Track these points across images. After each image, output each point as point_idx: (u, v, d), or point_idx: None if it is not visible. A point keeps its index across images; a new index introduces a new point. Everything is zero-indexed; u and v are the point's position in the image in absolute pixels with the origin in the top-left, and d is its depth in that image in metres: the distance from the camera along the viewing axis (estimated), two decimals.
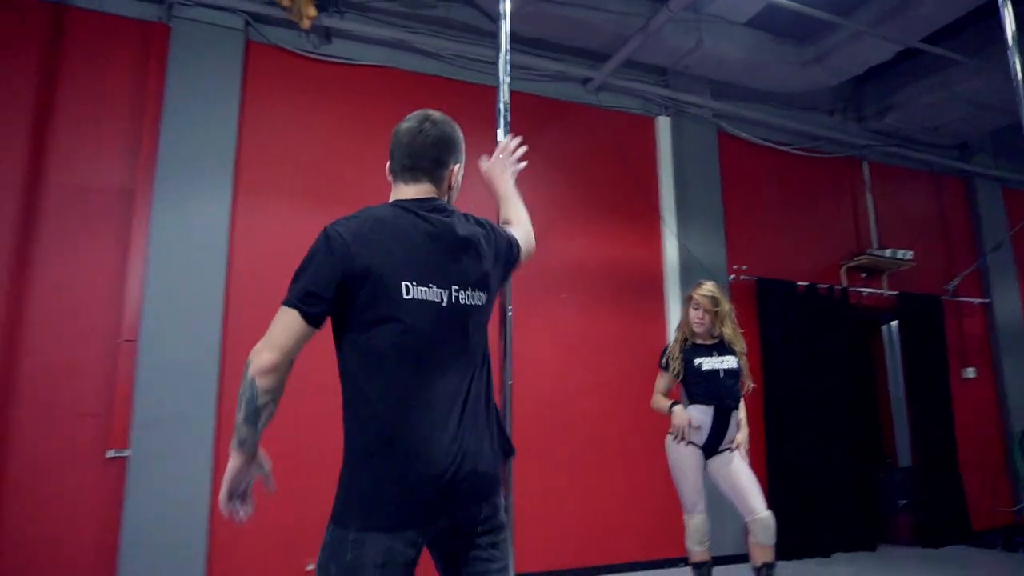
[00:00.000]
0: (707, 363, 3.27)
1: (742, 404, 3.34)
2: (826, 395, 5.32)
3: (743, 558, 4.50)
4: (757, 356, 5.24)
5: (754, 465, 4.90)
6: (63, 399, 3.58)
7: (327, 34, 4.54)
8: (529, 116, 4.95)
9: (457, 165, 1.76)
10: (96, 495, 3.54)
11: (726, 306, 3.36)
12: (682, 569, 4.61)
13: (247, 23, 4.26)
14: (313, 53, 4.48)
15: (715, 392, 3.23)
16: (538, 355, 4.61)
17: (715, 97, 5.46)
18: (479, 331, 1.67)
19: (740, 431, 3.31)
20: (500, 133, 2.17)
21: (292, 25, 4.31)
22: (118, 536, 3.48)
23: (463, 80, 4.80)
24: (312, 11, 4.19)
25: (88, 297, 3.72)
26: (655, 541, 4.70)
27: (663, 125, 5.31)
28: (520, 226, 1.98)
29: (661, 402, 3.37)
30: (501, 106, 2.20)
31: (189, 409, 3.71)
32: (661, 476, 4.72)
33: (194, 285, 3.85)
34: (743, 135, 5.61)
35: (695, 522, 3.25)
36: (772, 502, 4.70)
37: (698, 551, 3.25)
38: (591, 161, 5.10)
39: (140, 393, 3.63)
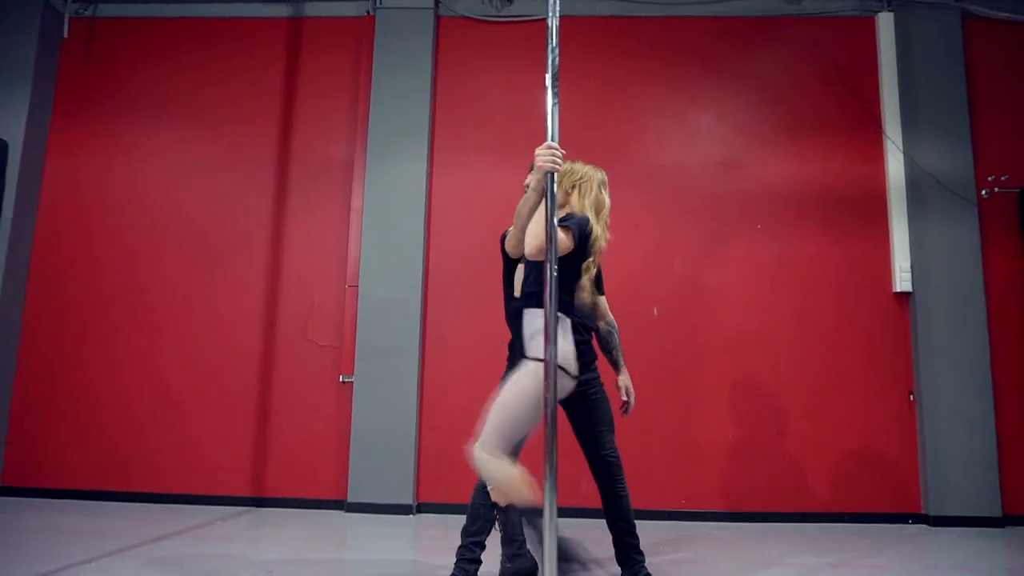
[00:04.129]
0: None
1: None
2: None
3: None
4: (1022, 289, 4.28)
5: (1019, 420, 4.13)
6: (308, 333, 4.46)
7: None
8: (720, 42, 4.69)
9: None
10: (333, 410, 4.36)
11: None
12: (910, 527, 4.07)
13: (436, 1, 4.74)
14: (496, 16, 4.80)
15: None
16: (734, 291, 4.38)
17: None
18: None
19: None
20: (548, 78, 2.14)
21: None
22: (348, 442, 4.25)
23: (633, 15, 4.72)
24: None
25: (323, 250, 4.57)
26: (871, 492, 4.17)
27: (884, 23, 4.56)
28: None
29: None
30: (549, 51, 2.15)
31: (399, 343, 4.33)
32: (882, 418, 4.21)
33: (400, 237, 4.47)
34: (1002, 15, 4.54)
35: None
36: None
37: None
38: (795, 78, 4.62)
39: (362, 330, 4.36)
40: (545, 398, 1.95)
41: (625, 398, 2.76)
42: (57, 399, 4.46)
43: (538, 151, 2.09)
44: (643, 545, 2.67)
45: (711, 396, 4.32)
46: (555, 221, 2.03)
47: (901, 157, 4.40)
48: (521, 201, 2.26)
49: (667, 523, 4.07)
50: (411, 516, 4.13)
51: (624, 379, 2.78)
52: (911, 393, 4.26)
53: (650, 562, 2.69)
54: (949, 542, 3.73)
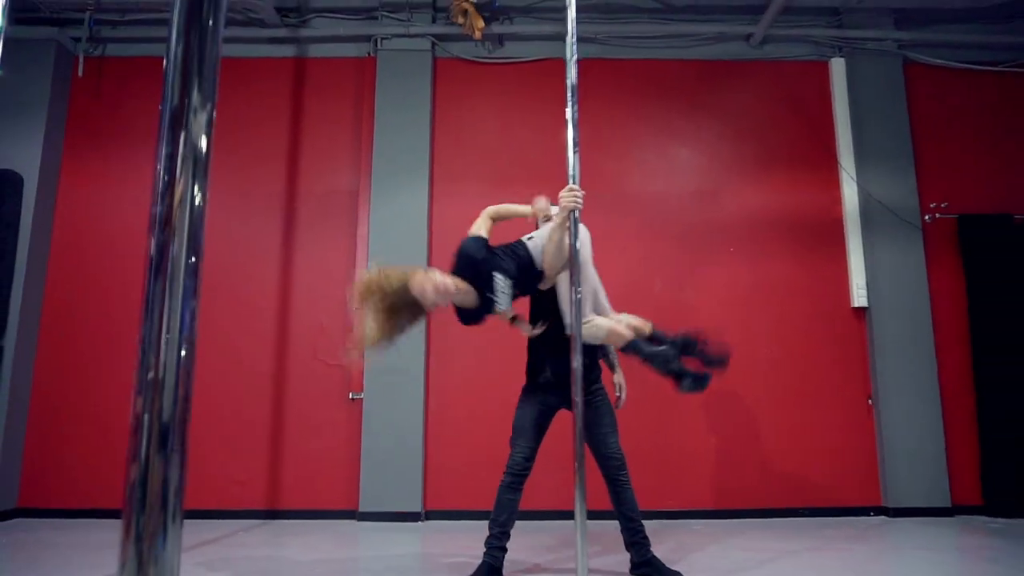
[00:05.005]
0: None
1: None
2: None
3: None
4: (963, 303, 4.83)
5: (963, 420, 4.61)
6: (318, 353, 4.74)
7: (499, 39, 5.24)
8: (694, 81, 5.17)
9: None
10: (343, 426, 4.64)
11: None
12: (872, 518, 4.51)
13: (433, 44, 5.13)
14: (488, 58, 5.21)
15: None
16: (710, 308, 4.82)
17: (898, 27, 5.12)
18: None
19: None
20: (568, 111, 2.57)
21: (470, 38, 5.08)
22: (359, 455, 4.52)
23: (617, 57, 5.19)
24: (480, 23, 4.92)
25: (331, 275, 4.86)
26: (836, 487, 4.62)
27: (837, 67, 5.12)
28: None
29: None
30: (569, 85, 2.58)
31: (405, 362, 4.63)
32: (844, 420, 4.66)
33: (404, 262, 4.74)
34: (938, 62, 5.15)
35: None
36: (988, 469, 4.42)
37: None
38: (760, 115, 5.13)
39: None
40: (573, 411, 2.33)
41: (618, 393, 3.15)
42: (72, 424, 4.63)
43: (562, 194, 2.49)
44: None
45: (692, 406, 4.72)
46: (576, 248, 2.44)
47: (855, 187, 4.93)
48: (545, 236, 2.66)
49: (655, 521, 4.43)
50: (420, 523, 4.42)
51: (619, 377, 3.19)
52: (869, 397, 4.75)
53: (656, 554, 3.05)
54: (907, 529, 4.19)
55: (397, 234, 4.82)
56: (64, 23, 5.06)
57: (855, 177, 4.94)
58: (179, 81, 0.81)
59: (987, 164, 5.07)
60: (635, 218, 4.94)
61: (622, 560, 3.06)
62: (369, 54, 5.16)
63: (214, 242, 4.88)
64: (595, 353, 3.03)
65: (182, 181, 0.80)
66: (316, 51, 5.21)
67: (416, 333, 4.65)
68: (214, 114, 0.83)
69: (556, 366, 2.92)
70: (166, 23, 0.84)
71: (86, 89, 5.10)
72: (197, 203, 0.81)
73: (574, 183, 2.53)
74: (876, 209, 4.85)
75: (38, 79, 4.89)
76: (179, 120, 0.80)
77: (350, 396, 4.66)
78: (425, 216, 4.87)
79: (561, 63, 5.09)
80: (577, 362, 2.36)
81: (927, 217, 4.92)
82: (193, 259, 0.80)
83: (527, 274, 2.76)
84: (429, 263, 4.84)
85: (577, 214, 2.52)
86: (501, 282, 2.66)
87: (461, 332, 4.73)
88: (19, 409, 4.59)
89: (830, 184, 5.02)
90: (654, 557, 2.96)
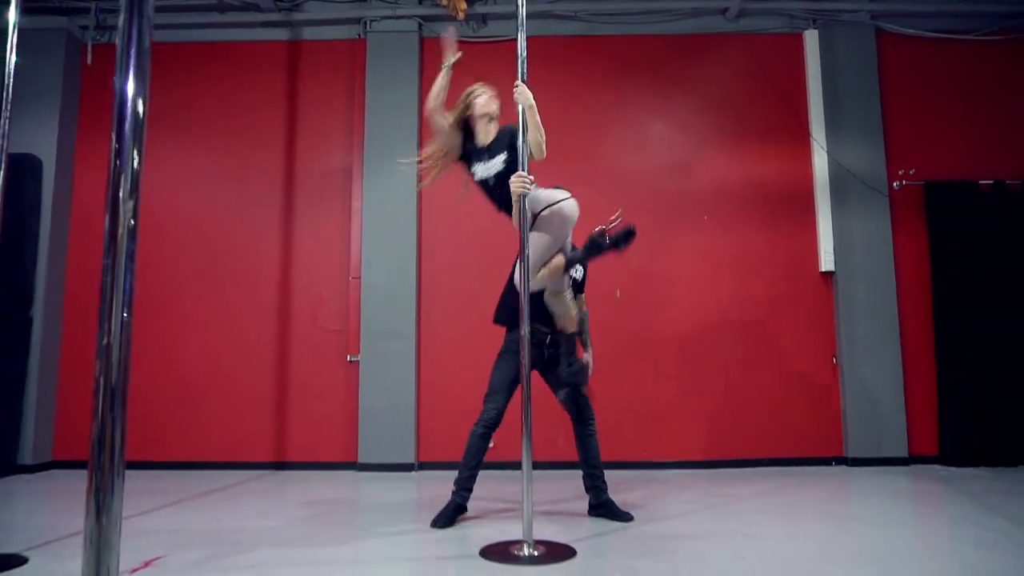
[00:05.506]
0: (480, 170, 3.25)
1: None
2: (1019, 309, 4.91)
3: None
4: (927, 266, 5.06)
5: (923, 377, 4.89)
6: (318, 320, 5.12)
7: (483, 19, 5.46)
8: (671, 56, 5.37)
9: None
10: (343, 386, 5.04)
11: None
12: (833, 467, 4.85)
13: (419, 24, 5.37)
14: (473, 37, 5.44)
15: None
16: (685, 274, 5.11)
17: None
18: None
19: None
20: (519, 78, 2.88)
21: (454, 19, 5.30)
22: (357, 412, 4.94)
23: (592, 34, 5.40)
24: (463, 4, 5.11)
25: (328, 247, 5.21)
26: (801, 440, 4.95)
27: (810, 39, 5.28)
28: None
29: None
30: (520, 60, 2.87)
31: (398, 326, 5.01)
32: (810, 378, 4.98)
33: (395, 233, 5.12)
34: (910, 31, 5.29)
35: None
36: (944, 422, 4.69)
37: None
38: (735, 88, 5.33)
39: (365, 315, 5.03)
40: (522, 364, 2.67)
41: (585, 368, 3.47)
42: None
43: (512, 179, 2.79)
44: (615, 487, 3.40)
45: (667, 364, 5.05)
46: (527, 232, 2.75)
47: (825, 156, 5.14)
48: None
49: (633, 471, 4.82)
50: (413, 472, 4.84)
51: (587, 356, 3.49)
52: (834, 356, 5.04)
53: (621, 500, 3.41)
54: (861, 476, 4.53)
55: (389, 209, 5.14)
56: (72, 12, 5.36)
57: (825, 147, 5.15)
58: (123, 69, 1.09)
59: (957, 132, 5.24)
60: (611, 191, 5.20)
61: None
62: (359, 36, 5.41)
63: (215, 218, 5.25)
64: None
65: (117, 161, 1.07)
66: (309, 34, 5.47)
67: (408, 298, 5.02)
68: (147, 106, 1.12)
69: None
70: (169, 10, 1.13)
71: (95, 76, 5.42)
72: (131, 178, 1.09)
73: (523, 169, 2.83)
74: (845, 178, 5.07)
75: (50, 67, 5.22)
76: (123, 117, 1.09)
77: (348, 358, 5.06)
78: (414, 190, 5.17)
79: (543, 40, 5.32)
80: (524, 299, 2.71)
81: (895, 184, 5.13)
82: (132, 224, 1.07)
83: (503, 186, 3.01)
84: (419, 236, 5.17)
85: (525, 199, 2.83)
86: (498, 162, 3.09)
87: (451, 300, 5.10)
88: (49, 373, 5.04)
89: (801, 154, 5.24)
90: (609, 500, 3.32)
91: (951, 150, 5.19)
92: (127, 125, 1.11)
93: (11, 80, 3.07)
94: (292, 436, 5.02)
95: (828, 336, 5.08)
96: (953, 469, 4.73)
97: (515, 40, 5.39)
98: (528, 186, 2.81)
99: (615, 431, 4.87)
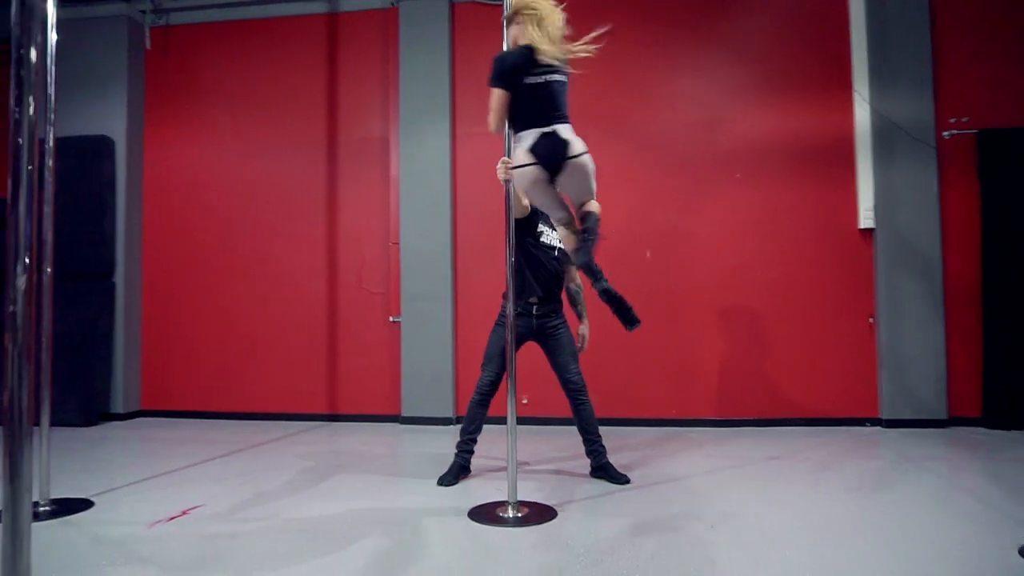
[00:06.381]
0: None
1: None
2: None
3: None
4: (976, 220, 4.80)
5: (968, 336, 4.71)
6: (362, 282, 5.47)
7: None
8: (709, 5, 5.19)
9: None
10: (386, 345, 5.41)
11: None
12: (867, 427, 4.81)
13: None
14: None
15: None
16: (717, 232, 5.08)
17: None
18: None
19: None
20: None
21: None
22: (400, 369, 5.30)
23: None
24: None
25: (369, 213, 5.51)
26: (835, 400, 4.92)
27: None
28: None
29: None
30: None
31: (435, 288, 5.28)
32: (845, 337, 4.90)
33: (431, 199, 5.34)
34: None
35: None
36: (988, 383, 4.54)
37: None
38: (772, 38, 5.11)
39: (404, 278, 5.32)
40: (507, 339, 2.86)
41: (579, 344, 3.62)
42: (174, 342, 5.70)
43: (498, 166, 2.92)
44: (634, 445, 3.57)
45: (698, 323, 5.09)
46: (513, 202, 2.90)
47: (867, 108, 4.89)
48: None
49: (658, 429, 4.96)
50: (452, 426, 5.19)
51: (583, 328, 3.64)
52: (871, 317, 4.92)
53: (632, 459, 3.58)
54: (892, 438, 4.50)
55: (424, 174, 5.34)
56: None
57: (867, 98, 4.89)
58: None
59: (1015, 75, 4.83)
60: (642, 149, 5.18)
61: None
62: (392, 4, 5.52)
63: (268, 187, 5.64)
64: (555, 290, 3.50)
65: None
66: (345, 5, 5.63)
67: (444, 261, 5.27)
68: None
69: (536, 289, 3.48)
70: None
71: (156, 56, 5.83)
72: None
73: (507, 155, 2.95)
74: (889, 129, 4.82)
75: (115, 52, 5.66)
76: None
77: (390, 319, 5.40)
78: (448, 156, 5.34)
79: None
80: (508, 307, 2.87)
81: (945, 134, 4.83)
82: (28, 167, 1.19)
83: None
84: (454, 201, 5.36)
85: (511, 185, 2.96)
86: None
87: (484, 263, 5.30)
88: (133, 333, 5.68)
89: (841, 107, 5.00)
90: (608, 463, 3.51)
91: (1009, 95, 4.81)
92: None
93: (53, 61, 3.15)
94: (342, 390, 5.47)
95: (866, 295, 4.95)
96: (997, 433, 4.60)
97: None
98: (511, 173, 2.93)
99: (643, 388, 5.02)
